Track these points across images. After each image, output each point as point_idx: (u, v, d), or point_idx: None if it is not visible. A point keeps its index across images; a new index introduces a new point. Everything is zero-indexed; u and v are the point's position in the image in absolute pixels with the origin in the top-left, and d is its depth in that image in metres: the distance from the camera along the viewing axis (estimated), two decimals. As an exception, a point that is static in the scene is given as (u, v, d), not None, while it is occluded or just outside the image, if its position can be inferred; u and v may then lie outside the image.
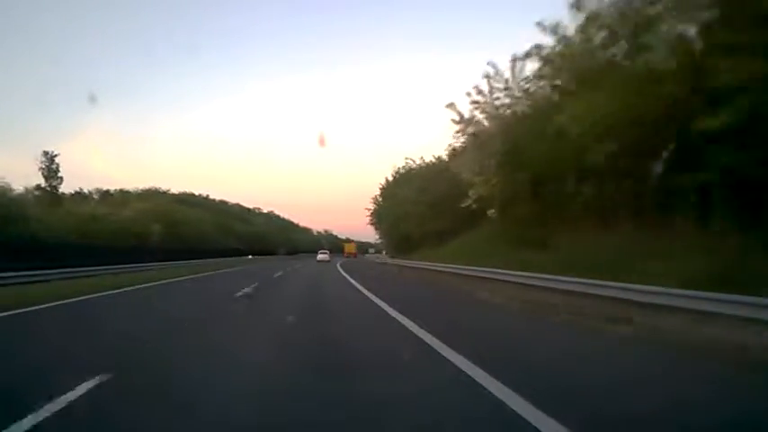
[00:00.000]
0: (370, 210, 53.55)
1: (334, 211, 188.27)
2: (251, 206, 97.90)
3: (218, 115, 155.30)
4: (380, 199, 49.13)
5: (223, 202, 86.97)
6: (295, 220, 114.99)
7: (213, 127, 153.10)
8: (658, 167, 12.24)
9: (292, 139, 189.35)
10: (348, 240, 79.92)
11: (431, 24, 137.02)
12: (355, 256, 65.58)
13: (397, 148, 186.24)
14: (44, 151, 41.16)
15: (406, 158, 41.34)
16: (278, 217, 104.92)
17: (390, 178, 44.74)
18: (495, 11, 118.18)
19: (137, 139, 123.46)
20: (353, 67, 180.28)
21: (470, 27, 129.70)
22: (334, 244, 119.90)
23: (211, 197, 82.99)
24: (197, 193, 79.18)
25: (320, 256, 49.31)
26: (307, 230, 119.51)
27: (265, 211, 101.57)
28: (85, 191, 54.62)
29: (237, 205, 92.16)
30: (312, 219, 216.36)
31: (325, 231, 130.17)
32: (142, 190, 57.68)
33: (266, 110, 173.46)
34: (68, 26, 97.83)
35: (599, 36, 13.05)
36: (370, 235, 75.42)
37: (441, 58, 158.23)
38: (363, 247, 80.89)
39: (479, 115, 20.33)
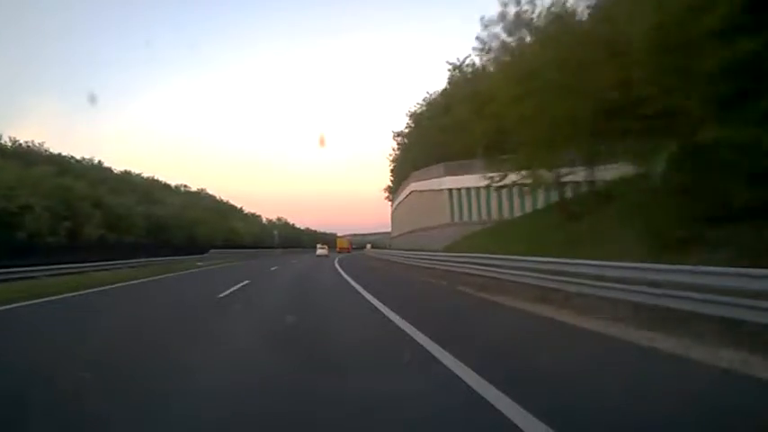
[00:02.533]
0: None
1: (292, 200, 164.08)
2: (174, 183, 70.89)
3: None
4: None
5: (127, 173, 59.54)
6: (238, 204, 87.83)
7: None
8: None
9: (261, 125, 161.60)
10: (339, 236, 78.45)
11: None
12: (349, 251, 62.36)
13: (368, 137, 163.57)
14: None
15: None
16: (213, 198, 78.02)
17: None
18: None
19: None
20: (312, 40, 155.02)
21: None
22: (294, 238, 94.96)
23: (107, 166, 55.08)
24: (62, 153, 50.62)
25: (319, 251, 50.78)
26: (253, 217, 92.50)
27: (194, 189, 74.69)
28: None
29: (152, 180, 64.77)
30: (261, 205, 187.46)
31: (279, 219, 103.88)
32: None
33: (232, 89, 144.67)
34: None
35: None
36: (339, 227, 60.19)
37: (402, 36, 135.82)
38: (326, 240, 70.28)
39: None
